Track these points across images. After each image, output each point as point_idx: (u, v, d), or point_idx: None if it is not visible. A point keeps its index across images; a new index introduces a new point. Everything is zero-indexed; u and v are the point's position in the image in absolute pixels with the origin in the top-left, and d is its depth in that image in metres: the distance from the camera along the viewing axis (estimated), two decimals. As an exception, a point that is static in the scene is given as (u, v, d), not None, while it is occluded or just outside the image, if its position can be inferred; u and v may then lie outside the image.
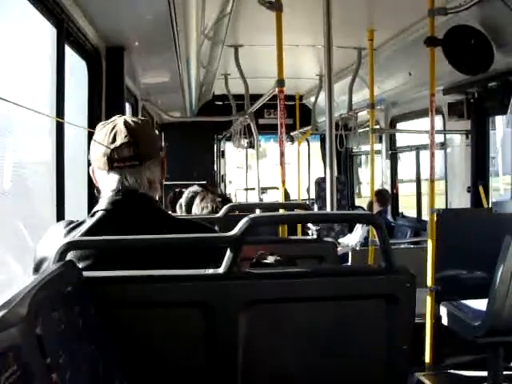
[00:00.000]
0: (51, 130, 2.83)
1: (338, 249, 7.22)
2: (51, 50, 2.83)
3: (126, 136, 1.87)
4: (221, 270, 1.66)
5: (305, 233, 5.36)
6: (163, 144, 9.66)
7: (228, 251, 1.65)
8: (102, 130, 1.93)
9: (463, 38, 4.57)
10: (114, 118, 1.97)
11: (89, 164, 1.97)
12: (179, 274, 1.67)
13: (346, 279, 1.76)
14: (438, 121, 6.62)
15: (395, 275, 1.75)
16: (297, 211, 3.21)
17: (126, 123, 1.91)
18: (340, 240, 7.57)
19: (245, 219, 1.66)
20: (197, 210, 3.89)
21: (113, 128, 1.91)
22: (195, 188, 4.64)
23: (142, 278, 1.65)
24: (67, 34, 2.93)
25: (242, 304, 1.66)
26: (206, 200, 3.95)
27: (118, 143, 1.87)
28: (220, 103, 9.31)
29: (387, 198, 7.81)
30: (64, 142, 2.87)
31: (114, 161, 1.87)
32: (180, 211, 4.66)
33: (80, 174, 3.42)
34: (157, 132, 7.76)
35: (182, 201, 4.66)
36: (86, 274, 1.63)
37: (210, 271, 1.67)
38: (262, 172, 6.45)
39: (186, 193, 4.70)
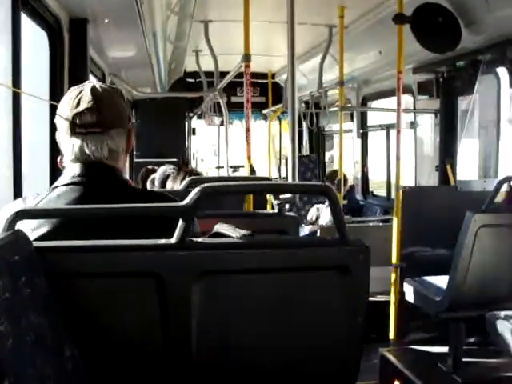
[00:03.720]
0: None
1: (309, 227, 7.30)
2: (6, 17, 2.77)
3: (89, 102, 1.86)
4: (173, 240, 1.65)
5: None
6: (134, 120, 9.59)
7: (180, 221, 1.64)
8: (69, 94, 1.92)
9: (431, 15, 4.57)
10: (84, 83, 1.95)
11: (51, 138, 1.95)
12: (130, 244, 1.65)
13: (298, 250, 1.76)
14: (409, 100, 6.64)
15: (348, 247, 1.75)
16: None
17: (93, 89, 1.90)
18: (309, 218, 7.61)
19: (196, 189, 1.65)
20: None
21: (79, 93, 1.90)
22: (170, 169, 4.57)
23: (92, 247, 1.63)
24: (24, 2, 2.87)
25: (194, 275, 1.65)
26: (176, 179, 3.93)
27: (80, 108, 1.86)
28: (192, 80, 9.25)
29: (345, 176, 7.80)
30: (21, 114, 2.82)
31: (76, 126, 1.86)
32: (151, 187, 4.62)
33: (41, 148, 3.37)
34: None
35: (156, 181, 4.60)
36: (35, 243, 1.60)
37: (162, 241, 1.66)
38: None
39: (161, 173, 4.63)
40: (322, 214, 7.73)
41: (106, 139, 1.89)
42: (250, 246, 1.76)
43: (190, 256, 1.67)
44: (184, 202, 1.65)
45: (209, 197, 1.68)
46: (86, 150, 1.87)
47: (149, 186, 4.75)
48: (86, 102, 1.86)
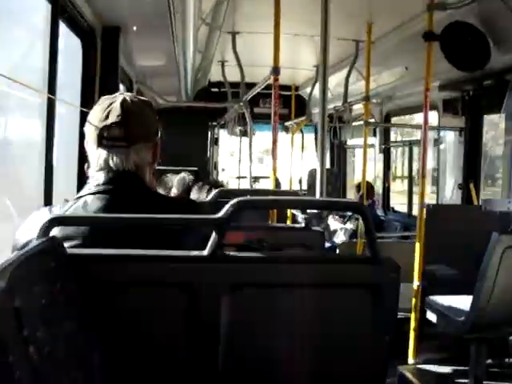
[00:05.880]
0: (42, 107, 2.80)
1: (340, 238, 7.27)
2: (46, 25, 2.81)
3: (118, 115, 1.87)
4: (205, 253, 1.65)
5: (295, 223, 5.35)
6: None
7: (213, 233, 1.65)
8: (100, 105, 1.93)
9: (461, 34, 4.56)
10: (116, 94, 1.97)
11: (80, 144, 1.97)
12: (163, 255, 1.66)
13: (330, 266, 1.75)
14: (433, 117, 6.61)
15: (380, 265, 1.74)
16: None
17: (123, 102, 1.91)
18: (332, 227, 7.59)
19: (231, 202, 1.65)
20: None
21: (110, 104, 1.91)
22: (189, 178, 4.55)
23: (125, 257, 1.64)
24: (62, 11, 2.91)
25: (225, 287, 1.66)
26: (202, 191, 3.94)
27: (109, 121, 1.87)
28: (216, 90, 9.27)
29: (370, 190, 7.78)
30: (55, 119, 2.84)
31: (103, 138, 1.88)
32: (166, 194, 4.60)
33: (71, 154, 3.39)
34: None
35: (174, 188, 4.59)
36: (70, 251, 1.62)
37: (195, 253, 1.67)
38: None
39: (180, 180, 4.62)
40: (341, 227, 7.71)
41: (131, 153, 1.90)
42: (282, 261, 1.76)
43: (222, 268, 1.67)
44: (218, 215, 1.65)
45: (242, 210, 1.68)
46: (111, 163, 1.89)
47: (162, 193, 4.73)
48: (114, 115, 1.87)
